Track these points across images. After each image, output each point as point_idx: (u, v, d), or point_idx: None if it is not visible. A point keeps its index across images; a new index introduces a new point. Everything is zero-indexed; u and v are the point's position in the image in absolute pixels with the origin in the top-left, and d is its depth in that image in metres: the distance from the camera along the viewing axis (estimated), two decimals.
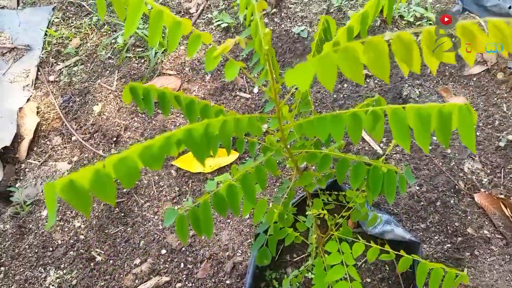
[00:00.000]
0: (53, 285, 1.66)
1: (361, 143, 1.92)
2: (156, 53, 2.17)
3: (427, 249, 1.59)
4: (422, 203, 1.69)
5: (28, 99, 2.14)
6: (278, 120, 0.72)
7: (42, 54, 2.29)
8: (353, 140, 0.63)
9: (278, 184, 1.80)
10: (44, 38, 2.34)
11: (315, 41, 0.77)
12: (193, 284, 1.59)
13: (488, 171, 1.74)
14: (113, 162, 0.48)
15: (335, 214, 1.08)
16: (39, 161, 1.97)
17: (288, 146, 0.83)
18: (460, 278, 0.86)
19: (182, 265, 1.64)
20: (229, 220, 1.73)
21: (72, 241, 1.75)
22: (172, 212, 0.66)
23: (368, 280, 1.31)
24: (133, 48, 2.23)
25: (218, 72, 2.15)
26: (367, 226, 0.99)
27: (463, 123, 0.52)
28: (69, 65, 2.24)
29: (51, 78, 2.21)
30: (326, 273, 0.84)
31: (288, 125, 0.80)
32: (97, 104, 2.09)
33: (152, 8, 0.61)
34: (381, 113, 0.58)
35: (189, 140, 0.55)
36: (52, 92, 2.16)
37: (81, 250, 1.72)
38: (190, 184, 1.84)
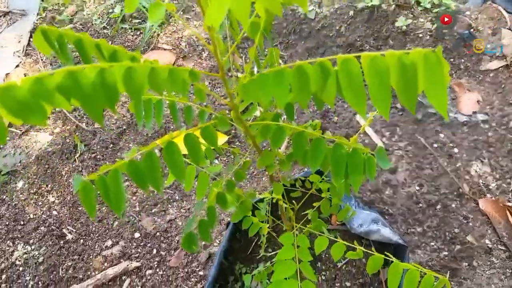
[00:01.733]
0: (19, 261, 1.56)
1: (361, 135, 1.78)
2: (152, 25, 2.05)
3: (421, 255, 1.45)
4: (421, 205, 1.54)
5: (17, 65, 2.05)
6: (223, 81, 0.58)
7: (37, 20, 2.19)
8: (300, 104, 0.49)
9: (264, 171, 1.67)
10: (40, 4, 2.24)
11: None
12: (164, 273, 1.48)
13: (497, 175, 1.58)
14: None
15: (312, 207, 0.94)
16: (21, 131, 1.88)
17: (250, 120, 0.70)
18: (440, 283, 0.73)
19: (154, 251, 1.53)
20: None
21: (44, 216, 1.65)
22: (78, 179, 0.54)
23: (348, 284, 1.18)
24: (130, 19, 2.12)
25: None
26: (338, 218, 0.85)
27: (431, 76, 0.39)
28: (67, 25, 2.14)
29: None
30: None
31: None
32: None
33: None
34: (330, 66, 0.45)
35: (74, 88, 0.43)
36: (42, 59, 2.06)
37: (52, 227, 1.62)
38: None
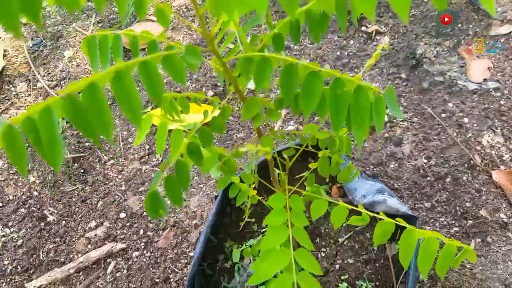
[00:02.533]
0: None
1: None
2: None
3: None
4: (428, 178, 1.42)
5: None
6: None
7: None
8: (286, 10, 0.37)
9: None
10: None
11: None
12: (152, 254, 1.37)
13: (511, 146, 1.46)
14: None
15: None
16: (0, 109, 1.76)
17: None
18: (463, 255, 0.61)
19: (141, 231, 1.42)
20: (201, 185, 1.50)
21: (24, 197, 1.54)
22: (1, 123, 0.42)
23: (350, 261, 1.06)
24: None
25: (206, 20, 1.88)
26: (339, 179, 0.73)
27: None
28: (44, 5, 2.01)
29: (23, 19, 1.99)
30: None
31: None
32: (69, 50, 1.86)
33: None
34: None
35: None
36: (22, 34, 1.94)
37: (32, 208, 1.51)
38: None
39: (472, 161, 1.43)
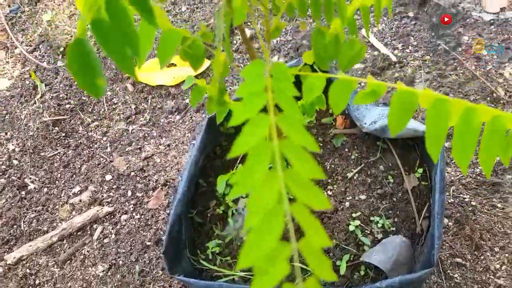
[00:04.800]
0: None
1: (369, 50, 1.50)
2: None
3: (453, 173, 1.18)
4: None
5: None
6: None
7: None
8: None
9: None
10: None
11: None
12: (142, 216, 1.23)
13: None
14: None
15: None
16: None
17: None
18: None
19: (129, 193, 1.28)
20: (194, 142, 1.35)
21: (4, 167, 1.41)
22: None
23: (362, 197, 0.91)
24: None
25: None
26: (340, 65, 0.57)
27: None
28: None
29: None
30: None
31: None
32: (48, 13, 1.73)
33: None
34: None
35: None
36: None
37: (13, 177, 1.38)
38: (149, 101, 1.46)
39: (495, 94, 1.27)
